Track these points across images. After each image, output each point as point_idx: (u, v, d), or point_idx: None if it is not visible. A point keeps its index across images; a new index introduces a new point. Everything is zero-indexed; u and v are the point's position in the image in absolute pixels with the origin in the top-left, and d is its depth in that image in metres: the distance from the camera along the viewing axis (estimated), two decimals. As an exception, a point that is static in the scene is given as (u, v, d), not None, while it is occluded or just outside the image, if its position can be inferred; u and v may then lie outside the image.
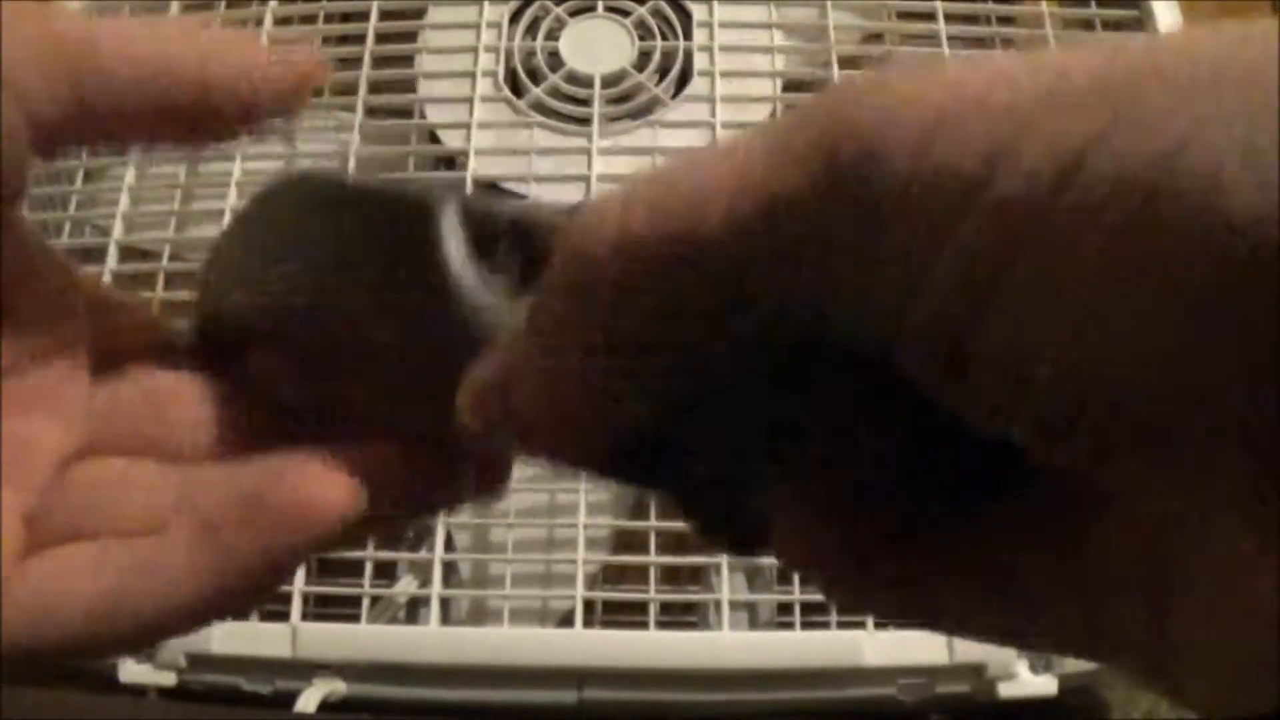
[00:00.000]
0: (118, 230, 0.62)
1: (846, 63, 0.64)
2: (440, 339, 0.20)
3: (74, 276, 0.23)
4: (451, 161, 0.63)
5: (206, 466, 0.22)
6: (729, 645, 0.52)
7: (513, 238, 0.21)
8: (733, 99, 0.62)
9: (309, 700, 0.51)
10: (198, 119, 0.21)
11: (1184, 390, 0.12)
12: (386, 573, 0.56)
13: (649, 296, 0.16)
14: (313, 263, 0.23)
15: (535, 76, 0.64)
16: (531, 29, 0.65)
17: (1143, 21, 0.64)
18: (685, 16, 0.65)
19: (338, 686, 0.52)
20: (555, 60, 0.64)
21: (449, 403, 0.19)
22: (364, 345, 0.22)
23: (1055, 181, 0.13)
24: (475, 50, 0.64)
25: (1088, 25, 0.65)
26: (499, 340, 0.19)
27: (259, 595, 0.21)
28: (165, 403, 0.23)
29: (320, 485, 0.20)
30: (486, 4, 0.65)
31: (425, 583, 0.54)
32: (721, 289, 0.15)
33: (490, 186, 0.61)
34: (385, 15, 0.65)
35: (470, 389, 0.19)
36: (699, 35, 0.64)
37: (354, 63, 0.64)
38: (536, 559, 0.55)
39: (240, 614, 0.22)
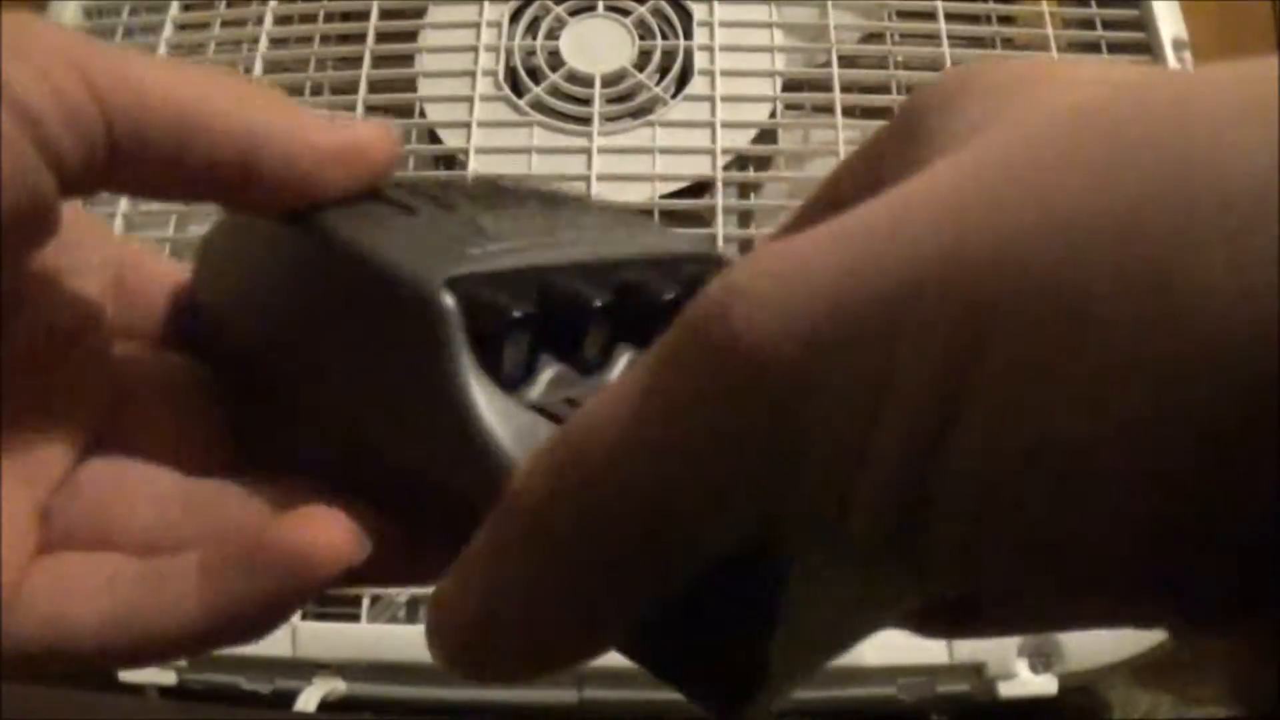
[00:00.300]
0: (117, 229, 0.62)
1: (847, 62, 0.64)
2: (448, 464, 0.19)
3: (105, 242, 0.22)
4: (451, 160, 0.63)
5: (217, 481, 0.22)
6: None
7: (519, 318, 0.19)
8: (733, 98, 0.62)
9: (309, 699, 0.51)
10: (239, 186, 0.20)
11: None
12: (386, 572, 0.56)
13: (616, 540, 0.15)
14: (304, 318, 0.22)
15: (535, 76, 0.64)
16: (531, 28, 0.65)
17: (1143, 22, 0.64)
18: (686, 16, 0.65)
19: (338, 685, 0.52)
20: (555, 59, 0.64)
21: (449, 514, 0.19)
22: (358, 431, 0.21)
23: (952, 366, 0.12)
24: (475, 49, 0.64)
25: (1088, 25, 0.65)
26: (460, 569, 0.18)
27: (262, 630, 0.20)
28: (181, 398, 0.23)
29: (326, 533, 0.19)
30: (486, 3, 0.65)
31: (425, 582, 0.54)
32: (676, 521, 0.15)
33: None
34: (385, 14, 0.65)
35: (453, 633, 0.18)
36: (699, 34, 0.64)
37: (354, 62, 0.64)
38: (536, 558, 0.55)
39: (244, 643, 0.21)
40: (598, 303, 0.20)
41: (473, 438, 0.18)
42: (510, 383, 0.19)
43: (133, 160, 0.19)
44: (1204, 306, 0.11)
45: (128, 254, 0.24)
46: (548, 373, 0.20)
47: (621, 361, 0.21)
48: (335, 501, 0.20)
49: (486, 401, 0.19)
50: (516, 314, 0.19)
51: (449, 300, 0.19)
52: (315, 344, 0.21)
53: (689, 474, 0.14)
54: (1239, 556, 0.12)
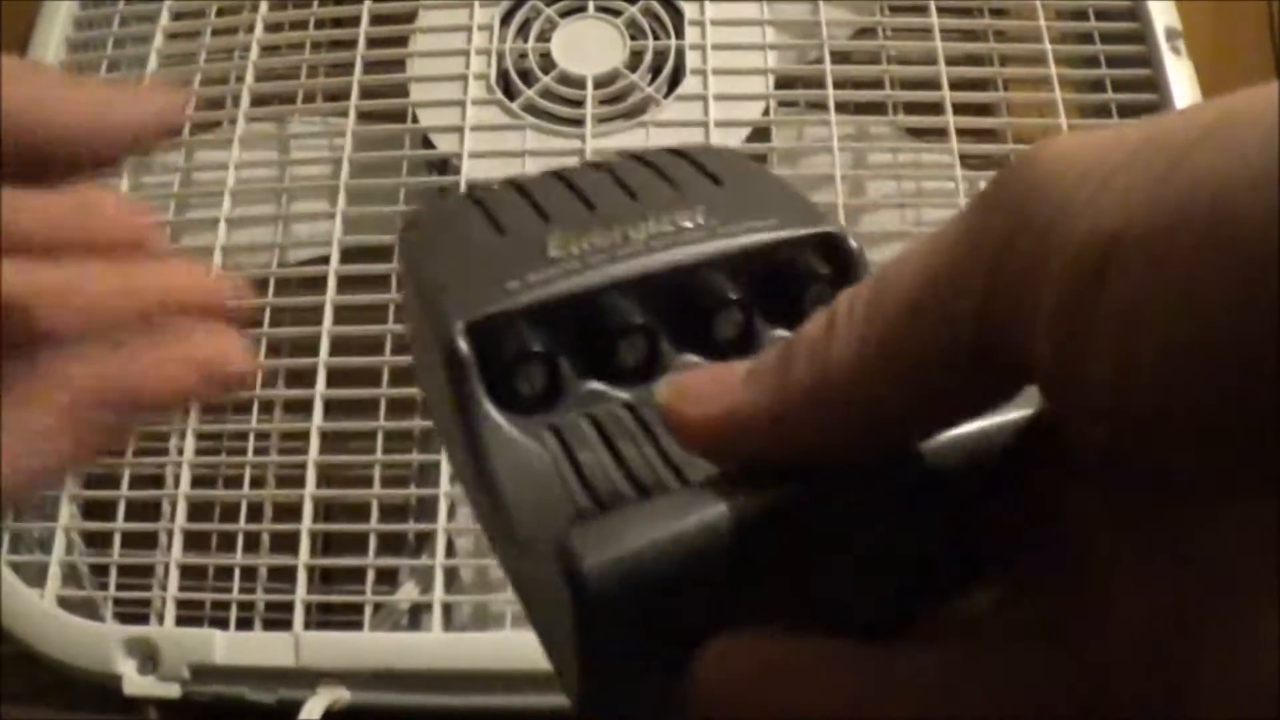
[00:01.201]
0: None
1: (839, 58, 0.64)
2: (473, 488, 0.22)
3: None
4: (445, 165, 0.63)
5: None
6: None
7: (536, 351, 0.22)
8: (726, 97, 0.62)
9: (313, 709, 0.51)
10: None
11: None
12: (388, 579, 0.56)
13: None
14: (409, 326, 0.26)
15: (527, 78, 0.63)
16: (523, 30, 0.65)
17: (1136, 12, 0.64)
18: (677, 15, 0.64)
19: (342, 694, 0.52)
20: (547, 61, 0.64)
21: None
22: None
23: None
24: (467, 53, 0.64)
25: (1080, 16, 0.65)
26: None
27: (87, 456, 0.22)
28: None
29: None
30: (477, 6, 0.65)
31: (427, 589, 0.54)
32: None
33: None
34: (376, 19, 0.65)
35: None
36: (691, 34, 0.64)
37: (345, 68, 0.64)
38: (538, 563, 0.55)
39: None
40: (637, 320, 0.22)
41: (481, 471, 0.21)
42: (533, 406, 0.22)
43: None
44: None
45: None
46: (574, 392, 0.22)
47: (677, 365, 0.23)
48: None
49: (491, 435, 0.21)
50: (533, 348, 0.22)
51: (463, 344, 0.22)
52: (415, 354, 0.25)
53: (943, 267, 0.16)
54: None
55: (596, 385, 0.22)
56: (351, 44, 0.65)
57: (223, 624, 0.54)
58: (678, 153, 0.26)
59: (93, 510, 0.59)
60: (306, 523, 0.55)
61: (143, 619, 0.55)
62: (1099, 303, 0.14)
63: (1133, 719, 0.16)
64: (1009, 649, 0.18)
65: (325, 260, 0.60)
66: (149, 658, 0.53)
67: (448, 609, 0.54)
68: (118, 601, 0.56)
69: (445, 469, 0.56)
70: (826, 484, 0.18)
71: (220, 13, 0.68)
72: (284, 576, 0.55)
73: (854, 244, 0.24)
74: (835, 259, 0.24)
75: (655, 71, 0.63)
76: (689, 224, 0.24)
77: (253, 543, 0.57)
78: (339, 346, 0.58)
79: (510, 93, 0.63)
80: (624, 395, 0.22)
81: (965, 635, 0.19)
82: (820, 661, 0.18)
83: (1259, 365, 0.13)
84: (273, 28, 0.67)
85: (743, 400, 0.18)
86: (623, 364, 0.22)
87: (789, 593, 0.19)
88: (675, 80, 0.63)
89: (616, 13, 0.65)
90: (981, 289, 0.16)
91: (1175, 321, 0.14)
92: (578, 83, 0.63)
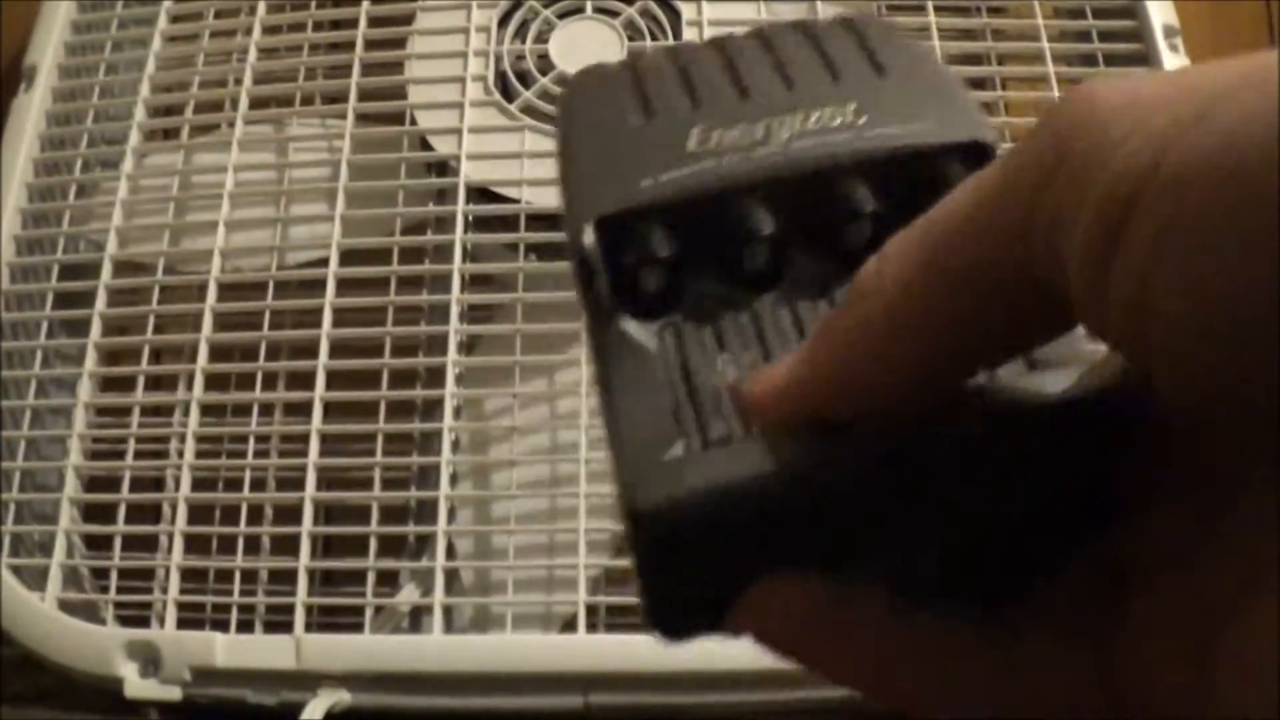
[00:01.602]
0: (111, 245, 0.62)
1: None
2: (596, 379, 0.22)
3: None
4: (443, 167, 0.63)
5: None
6: (733, 646, 0.52)
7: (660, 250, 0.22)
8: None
9: (314, 711, 0.51)
10: None
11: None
12: (389, 582, 0.56)
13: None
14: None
15: (525, 80, 0.63)
16: (520, 32, 0.65)
17: (1134, 10, 0.64)
18: (674, 16, 0.64)
19: (343, 697, 0.52)
20: (545, 63, 0.64)
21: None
22: None
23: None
24: (464, 55, 0.64)
25: (1078, 14, 0.65)
26: None
27: None
28: None
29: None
30: (475, 8, 0.65)
31: (428, 591, 0.54)
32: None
33: (482, 192, 0.61)
34: (374, 22, 0.65)
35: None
36: (688, 34, 0.64)
37: (344, 70, 0.64)
38: (538, 564, 0.55)
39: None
40: (766, 229, 0.22)
41: (599, 374, 0.22)
42: (654, 303, 0.22)
43: None
44: None
45: None
46: (699, 292, 0.23)
47: (803, 269, 0.23)
48: None
49: (611, 336, 0.22)
50: (660, 249, 0.22)
51: (591, 242, 0.22)
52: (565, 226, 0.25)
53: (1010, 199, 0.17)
54: None
55: (722, 287, 0.23)
56: (349, 46, 0.65)
57: (224, 626, 0.54)
58: (850, 27, 0.26)
59: (93, 513, 0.59)
60: (307, 525, 0.55)
61: (144, 622, 0.55)
62: (1124, 236, 0.15)
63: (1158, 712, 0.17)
64: (1039, 635, 0.18)
65: (324, 263, 0.60)
66: (150, 660, 0.53)
67: (448, 611, 0.54)
68: (119, 604, 0.56)
69: (445, 471, 0.56)
70: (886, 438, 0.19)
71: (218, 15, 0.68)
72: (285, 579, 0.55)
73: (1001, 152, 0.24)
74: (979, 168, 0.24)
75: (653, 72, 0.63)
76: (837, 121, 0.23)
77: (253, 545, 0.57)
78: (338, 349, 0.58)
79: (508, 94, 0.63)
80: (748, 299, 0.23)
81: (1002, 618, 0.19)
82: (853, 618, 0.19)
83: (1268, 309, 0.14)
84: (271, 30, 0.67)
85: (802, 357, 0.19)
86: (749, 268, 0.23)
87: (841, 546, 0.19)
88: (673, 81, 0.63)
89: (614, 14, 0.65)
90: (1026, 209, 0.17)
91: (1190, 258, 0.14)
92: (576, 84, 0.63)
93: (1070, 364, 0.20)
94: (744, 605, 0.19)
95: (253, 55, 0.65)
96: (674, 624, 0.21)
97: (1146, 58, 0.62)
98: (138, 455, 0.59)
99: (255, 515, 0.57)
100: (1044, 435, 0.19)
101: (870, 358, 0.18)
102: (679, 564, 0.19)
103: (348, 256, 0.60)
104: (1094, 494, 0.19)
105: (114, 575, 0.56)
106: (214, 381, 0.59)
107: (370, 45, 0.65)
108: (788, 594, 0.19)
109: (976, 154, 0.23)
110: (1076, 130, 0.16)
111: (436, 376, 0.57)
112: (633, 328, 0.22)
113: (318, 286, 0.59)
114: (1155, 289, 0.15)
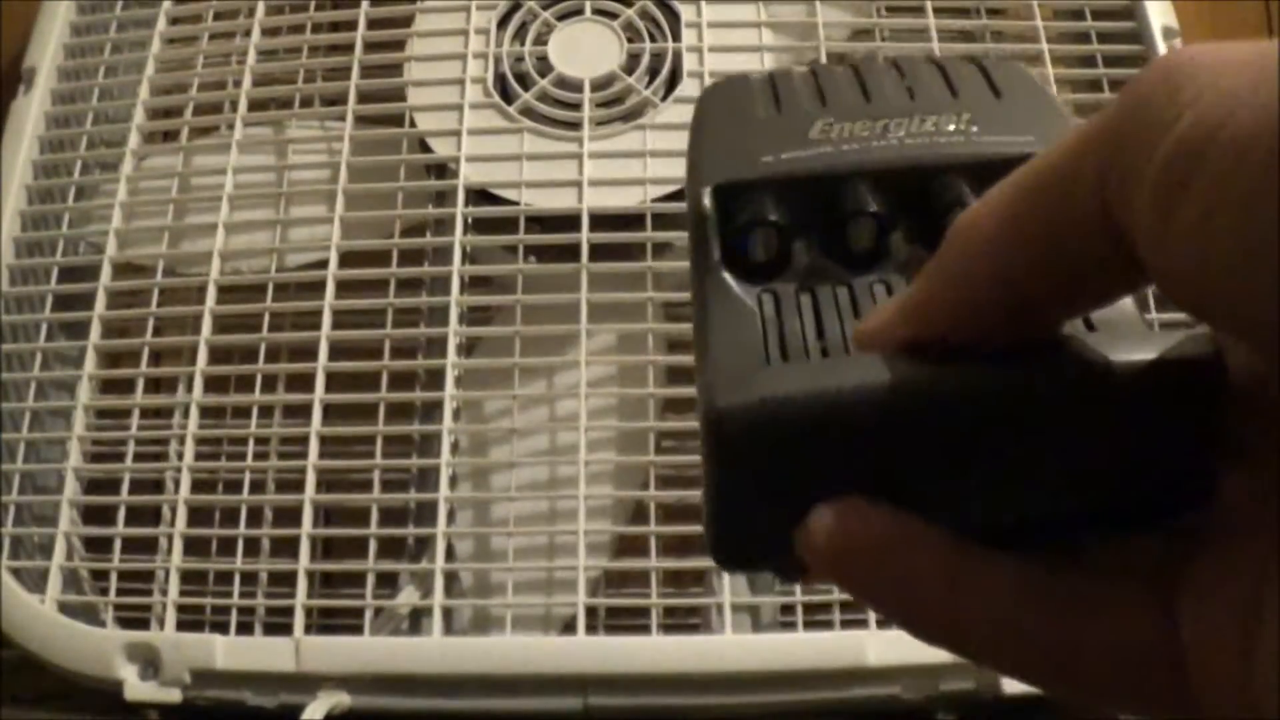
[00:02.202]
0: (111, 247, 0.62)
1: (836, 58, 0.64)
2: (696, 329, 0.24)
3: None
4: (443, 169, 0.63)
5: None
6: (732, 648, 0.52)
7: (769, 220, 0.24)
8: (723, 99, 0.62)
9: (314, 713, 0.51)
10: None
11: None
12: (388, 584, 0.56)
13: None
14: None
15: (524, 81, 0.63)
16: (519, 34, 0.65)
17: (1132, 11, 0.64)
18: (673, 17, 0.64)
19: (343, 699, 0.52)
20: (544, 65, 0.64)
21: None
22: None
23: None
24: (464, 57, 0.64)
25: (1077, 15, 0.65)
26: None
27: None
28: None
29: None
30: (474, 10, 0.65)
31: (427, 593, 0.54)
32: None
33: (481, 194, 0.61)
34: (373, 24, 0.65)
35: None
36: (687, 36, 0.64)
37: (343, 72, 0.64)
38: (538, 566, 0.55)
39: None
40: (870, 207, 0.24)
41: (698, 320, 0.23)
42: (761, 271, 0.24)
43: None
44: None
45: None
46: (802, 265, 0.24)
47: (903, 255, 0.24)
48: None
49: (715, 289, 0.23)
50: (769, 217, 0.24)
51: (708, 203, 0.24)
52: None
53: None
54: None
55: (824, 262, 0.24)
56: (349, 48, 0.65)
57: (223, 629, 0.54)
58: (978, 62, 0.27)
59: (93, 515, 0.59)
60: (306, 527, 0.55)
61: (143, 624, 0.55)
62: (1188, 189, 0.16)
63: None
64: (1104, 586, 0.19)
65: (324, 265, 0.60)
66: (150, 663, 0.53)
67: (448, 613, 0.54)
68: (118, 606, 0.56)
69: (445, 473, 0.56)
70: (970, 370, 0.19)
71: (217, 17, 0.68)
72: (284, 581, 0.55)
73: None
74: None
75: (652, 74, 0.63)
76: (950, 127, 0.25)
77: (253, 547, 0.57)
78: (338, 351, 0.58)
79: (507, 96, 0.63)
80: (847, 276, 0.24)
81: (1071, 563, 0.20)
82: (917, 546, 0.19)
83: None
84: (270, 32, 0.67)
85: (899, 296, 0.20)
86: (851, 246, 0.24)
87: (912, 477, 0.19)
88: (672, 83, 0.63)
89: (613, 15, 0.65)
90: (1103, 163, 0.17)
91: (1249, 211, 0.15)
92: (575, 86, 0.63)
93: (1125, 332, 0.20)
94: (811, 524, 0.19)
95: (252, 57, 0.66)
96: (738, 550, 0.21)
97: (1146, 59, 0.62)
98: (137, 457, 0.59)
99: (255, 517, 0.57)
100: (1136, 393, 0.19)
101: (963, 284, 0.19)
102: (751, 472, 0.20)
103: (347, 258, 0.60)
104: (1181, 457, 0.19)
105: (114, 577, 0.56)
106: (213, 384, 0.59)
107: (369, 47, 0.65)
108: (857, 514, 0.19)
109: None
110: (1154, 90, 0.17)
111: (436, 378, 0.57)
112: (736, 285, 0.24)
113: (317, 289, 0.59)
114: (1213, 238, 0.16)
